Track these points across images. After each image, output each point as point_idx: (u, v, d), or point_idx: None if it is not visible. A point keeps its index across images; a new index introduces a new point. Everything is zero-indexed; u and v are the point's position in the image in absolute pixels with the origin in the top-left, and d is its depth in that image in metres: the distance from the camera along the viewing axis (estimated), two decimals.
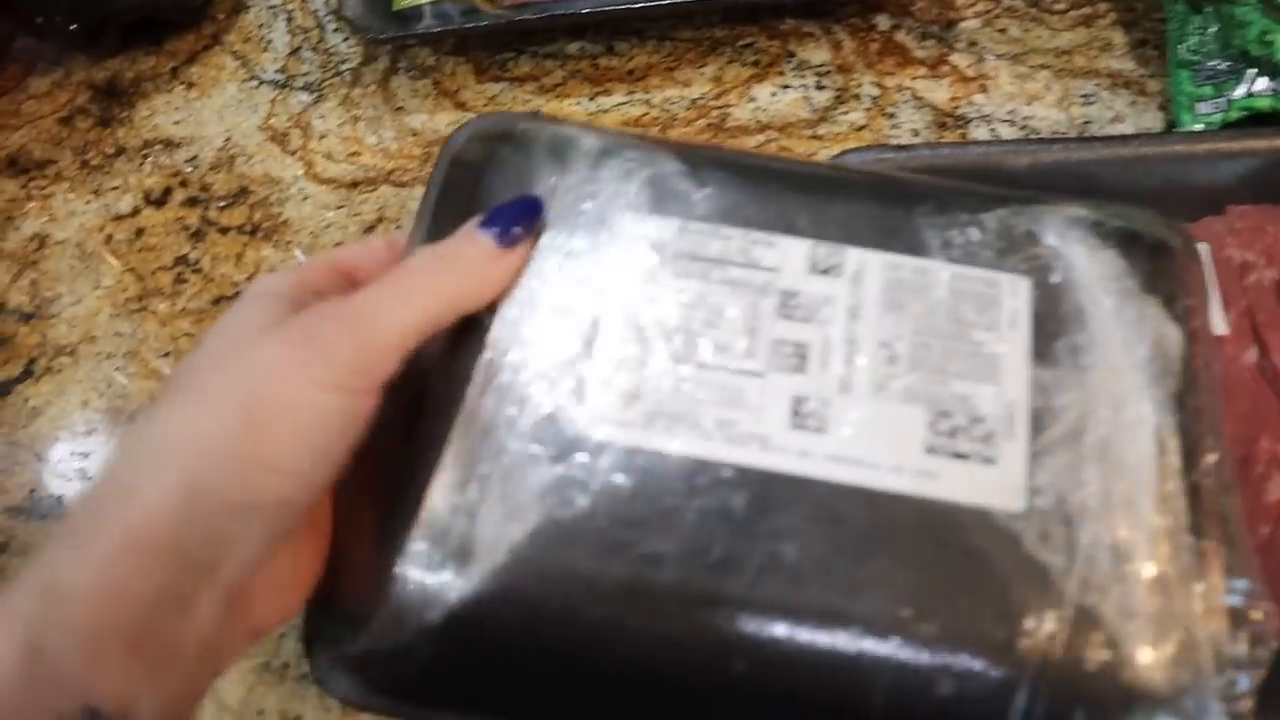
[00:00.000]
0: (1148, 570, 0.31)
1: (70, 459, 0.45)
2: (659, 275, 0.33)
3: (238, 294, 0.45)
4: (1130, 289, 0.34)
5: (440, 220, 0.35)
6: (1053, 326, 0.33)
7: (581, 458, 0.32)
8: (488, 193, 0.35)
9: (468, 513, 0.31)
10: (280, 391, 0.25)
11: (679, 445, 0.32)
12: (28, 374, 0.46)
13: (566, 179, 0.35)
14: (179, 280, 0.47)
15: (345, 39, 0.50)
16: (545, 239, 0.34)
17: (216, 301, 0.46)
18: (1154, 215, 0.37)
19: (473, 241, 0.31)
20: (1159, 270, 0.35)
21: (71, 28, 0.48)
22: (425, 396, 0.33)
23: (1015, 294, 0.33)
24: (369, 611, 0.31)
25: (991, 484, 0.31)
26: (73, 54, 0.51)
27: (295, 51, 0.50)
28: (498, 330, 0.33)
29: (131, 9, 0.49)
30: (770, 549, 0.31)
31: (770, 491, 0.31)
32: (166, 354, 0.46)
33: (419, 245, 0.34)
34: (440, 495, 0.31)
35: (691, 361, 0.33)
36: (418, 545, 0.31)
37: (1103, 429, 0.32)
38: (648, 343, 0.33)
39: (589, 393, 0.32)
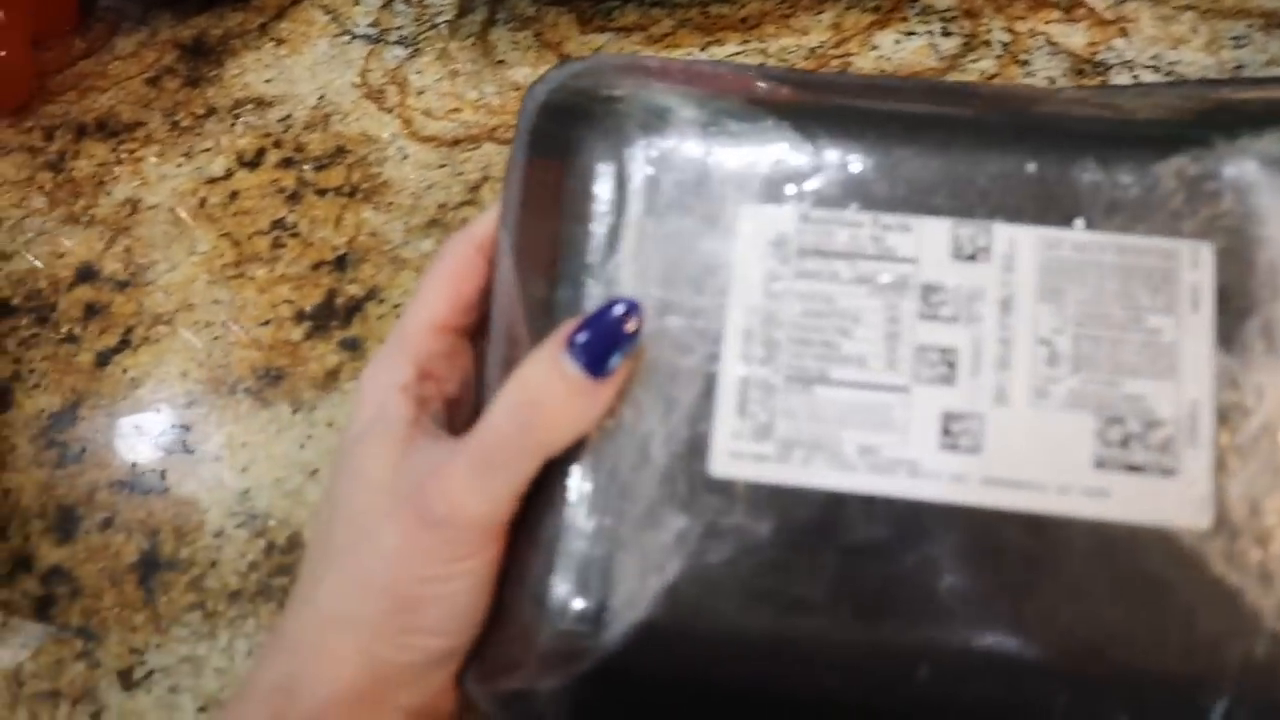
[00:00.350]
0: None
1: (171, 431, 0.43)
2: (781, 278, 0.30)
3: (339, 259, 0.43)
4: None
5: (528, 207, 0.32)
6: (1242, 302, 0.28)
7: (715, 501, 0.29)
8: (578, 177, 0.31)
9: (602, 567, 0.29)
10: (414, 579, 0.28)
11: (819, 478, 0.29)
12: (125, 344, 0.44)
13: (669, 154, 0.30)
14: (276, 245, 0.45)
15: None
16: (650, 227, 0.30)
17: (316, 266, 0.44)
18: None
19: (561, 377, 0.28)
20: None
21: None
22: None
23: (1196, 265, 0.28)
24: (517, 660, 0.29)
25: (1172, 499, 0.27)
26: (158, 12, 0.49)
27: (388, 4, 0.48)
28: None
29: None
30: (925, 588, 0.28)
31: (922, 523, 0.28)
32: (266, 322, 0.44)
33: (507, 243, 0.31)
34: (573, 549, 0.29)
35: (826, 380, 0.29)
36: (556, 602, 0.29)
37: None
38: (775, 361, 0.29)
39: (716, 428, 0.29)
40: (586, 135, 0.31)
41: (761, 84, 0.32)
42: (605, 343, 0.28)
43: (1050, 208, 0.29)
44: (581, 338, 0.27)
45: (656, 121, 0.31)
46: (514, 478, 0.28)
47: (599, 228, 0.30)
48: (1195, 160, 0.29)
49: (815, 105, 0.31)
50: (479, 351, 0.34)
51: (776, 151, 0.30)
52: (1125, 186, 0.29)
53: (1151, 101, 0.32)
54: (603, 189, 0.31)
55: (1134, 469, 0.28)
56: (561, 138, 0.31)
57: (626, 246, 0.30)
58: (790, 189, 0.30)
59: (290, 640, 0.29)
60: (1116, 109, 0.32)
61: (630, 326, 0.28)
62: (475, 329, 0.33)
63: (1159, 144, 0.30)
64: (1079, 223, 0.29)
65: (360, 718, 0.29)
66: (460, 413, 0.33)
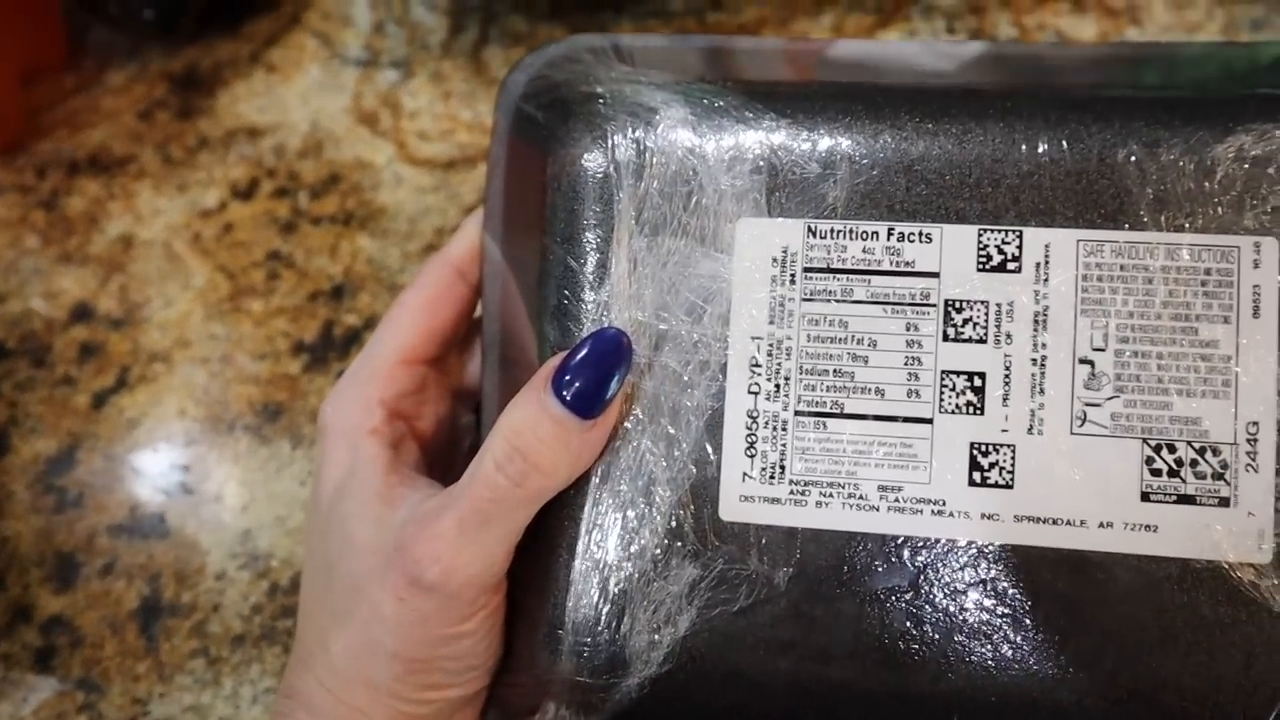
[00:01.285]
0: None
1: (170, 472, 0.42)
2: (788, 301, 0.28)
3: (335, 288, 0.42)
4: None
5: (511, 206, 0.30)
6: None
7: (726, 548, 0.27)
8: (561, 193, 0.29)
9: (614, 621, 0.27)
10: (419, 644, 0.27)
11: (837, 521, 0.27)
12: (122, 384, 0.43)
13: (657, 161, 0.28)
14: (272, 276, 0.44)
15: (430, 9, 0.47)
16: (641, 249, 0.28)
17: (313, 297, 0.43)
18: None
19: (551, 421, 0.26)
20: None
21: (146, 15, 0.46)
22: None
23: (1259, 264, 0.26)
24: (533, 708, 0.29)
25: (1228, 532, 0.25)
26: (148, 44, 0.48)
27: (378, 27, 0.47)
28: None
29: None
30: (953, 634, 0.26)
31: (949, 565, 0.26)
32: (263, 356, 0.43)
33: (492, 246, 0.30)
34: (584, 599, 0.28)
35: (841, 413, 0.27)
36: (570, 653, 0.28)
37: None
38: (785, 394, 0.28)
39: (724, 468, 0.27)
40: (566, 137, 0.29)
41: (759, 67, 0.30)
42: (593, 380, 0.26)
43: (1089, 206, 0.27)
44: (568, 377, 0.26)
45: (642, 123, 0.28)
46: (507, 532, 0.27)
47: (586, 254, 0.29)
48: (1260, 138, 0.26)
49: (819, 93, 0.29)
50: (448, 383, 0.32)
51: (777, 154, 0.28)
52: (1176, 176, 0.27)
53: (1200, 68, 0.29)
54: (587, 205, 0.29)
55: (1185, 500, 0.26)
56: (541, 135, 0.29)
57: (616, 273, 0.28)
58: (794, 197, 0.28)
59: (305, 699, 0.28)
60: (1160, 78, 0.29)
61: (616, 361, 0.26)
62: (445, 358, 0.32)
63: (1215, 121, 0.27)
64: (1123, 222, 0.27)
65: None
66: (434, 449, 0.32)
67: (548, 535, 0.29)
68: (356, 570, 0.28)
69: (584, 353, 0.26)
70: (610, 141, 0.29)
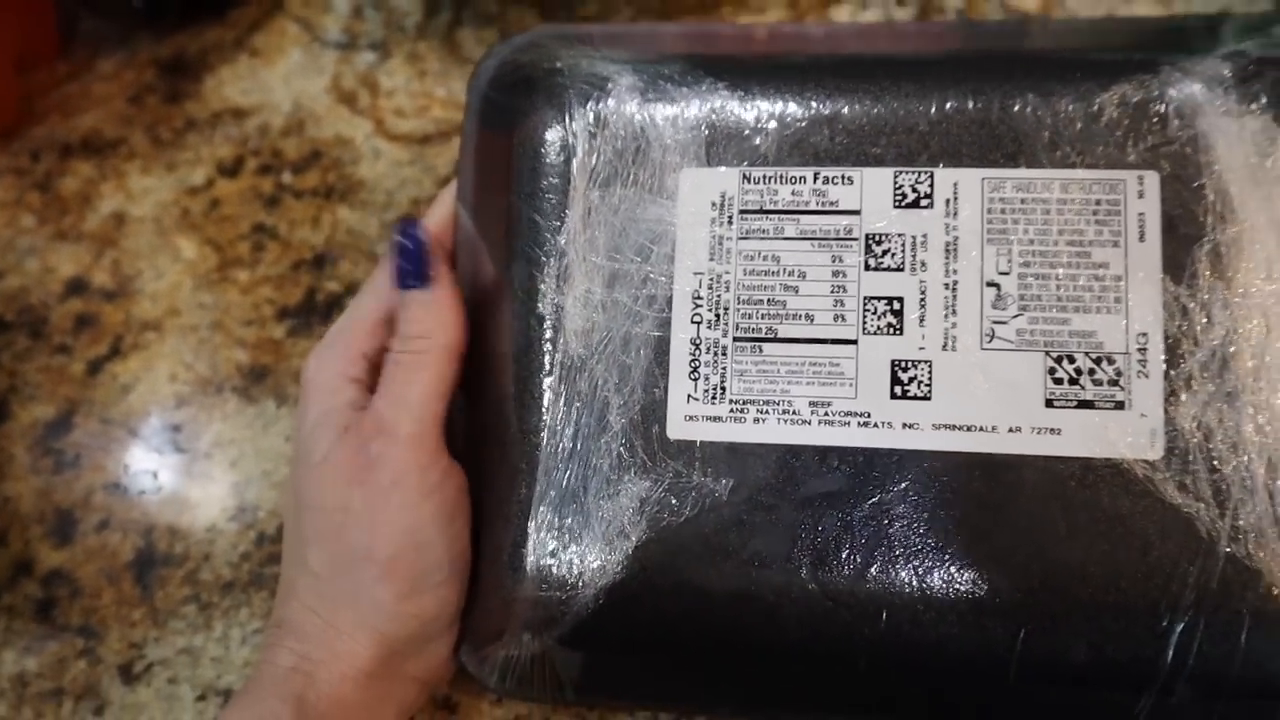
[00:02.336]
0: None
1: (163, 432, 0.45)
2: (726, 240, 0.30)
3: (317, 258, 0.44)
4: None
5: (481, 182, 0.33)
6: (1190, 228, 0.28)
7: (674, 463, 0.30)
8: (523, 153, 0.32)
9: (573, 536, 0.30)
10: (389, 533, 0.30)
11: (773, 435, 0.30)
12: (115, 351, 0.46)
13: (609, 123, 0.31)
14: (257, 248, 0.46)
15: None
16: (595, 199, 0.31)
17: (296, 266, 0.46)
18: None
19: (410, 301, 0.32)
20: None
21: (135, 5, 0.48)
22: (505, 428, 0.32)
23: (1142, 195, 0.29)
24: (501, 628, 0.31)
25: (1123, 432, 0.28)
26: (137, 33, 0.51)
27: (357, 11, 0.49)
28: (564, 327, 0.31)
29: None
30: (879, 536, 0.29)
31: (875, 471, 0.29)
32: (250, 322, 0.45)
33: (464, 215, 0.33)
34: (542, 519, 0.30)
35: (775, 338, 0.30)
36: (530, 571, 0.30)
37: (1254, 347, 0.28)
38: (724, 323, 0.30)
39: (671, 391, 0.30)
40: (530, 109, 0.32)
41: (701, 42, 0.32)
42: (414, 257, 0.31)
43: (992, 148, 0.29)
44: (399, 270, 0.32)
45: (597, 91, 0.31)
46: (425, 400, 0.30)
47: (547, 206, 0.31)
48: (1139, 86, 0.29)
49: (753, 62, 0.32)
50: None
51: (715, 113, 0.31)
52: (1067, 120, 0.29)
53: (1094, 32, 0.32)
54: (547, 164, 0.32)
55: (1085, 405, 0.29)
56: (508, 111, 0.32)
57: (573, 221, 0.31)
58: (730, 149, 0.31)
59: (295, 627, 0.30)
60: (1057, 40, 0.32)
61: (416, 237, 0.32)
62: None
63: (1101, 73, 0.30)
64: (1022, 160, 0.29)
65: (378, 689, 0.31)
66: None
67: (509, 461, 0.31)
68: (329, 485, 0.30)
69: (398, 252, 0.32)
70: (568, 108, 0.32)
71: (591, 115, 0.31)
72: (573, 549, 0.30)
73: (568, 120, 0.32)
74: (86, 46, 0.51)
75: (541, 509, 0.31)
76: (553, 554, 0.31)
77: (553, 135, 0.32)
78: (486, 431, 0.32)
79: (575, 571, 0.30)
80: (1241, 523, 0.27)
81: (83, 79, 0.51)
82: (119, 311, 0.46)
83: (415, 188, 0.46)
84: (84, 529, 0.43)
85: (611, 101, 0.31)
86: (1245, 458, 0.27)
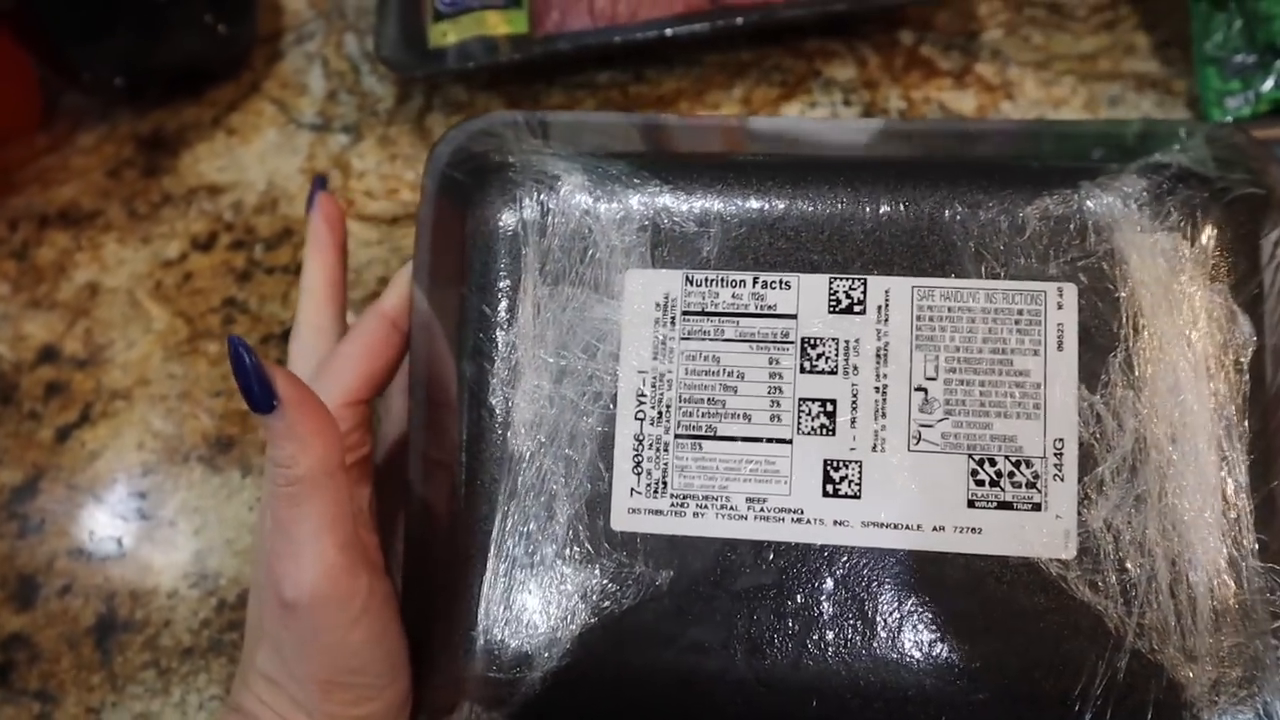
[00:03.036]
0: (1211, 606, 0.29)
1: (128, 500, 0.46)
2: (669, 340, 0.32)
3: (286, 332, 0.46)
4: (1197, 276, 0.30)
5: (436, 269, 0.34)
6: (1104, 338, 0.30)
7: (617, 554, 0.32)
8: (476, 249, 0.33)
9: (520, 621, 0.32)
10: (316, 662, 0.30)
11: (711, 529, 0.31)
12: (84, 419, 0.47)
13: (559, 221, 0.33)
14: (228, 321, 0.48)
15: (380, 80, 0.52)
16: (544, 296, 0.32)
17: (265, 340, 0.47)
18: (1245, 140, 0.31)
19: (262, 427, 0.31)
20: (1235, 239, 0.30)
21: (117, 83, 0.50)
22: (456, 510, 0.33)
23: (1062, 305, 0.31)
24: (453, 704, 0.32)
25: (1039, 533, 0.30)
26: (118, 108, 0.52)
27: (332, 95, 0.51)
28: (513, 420, 0.32)
29: (175, 62, 0.50)
30: (810, 626, 0.31)
31: (807, 566, 0.31)
32: (218, 393, 0.47)
33: (420, 297, 0.34)
34: (492, 608, 0.32)
35: (715, 435, 0.32)
36: (480, 652, 0.32)
37: (1161, 454, 0.29)
38: (667, 420, 0.32)
39: (615, 485, 0.32)
40: (483, 201, 0.33)
41: (650, 136, 0.34)
42: (242, 385, 0.29)
43: (922, 257, 0.31)
44: (242, 385, 0.29)
45: (547, 189, 0.33)
46: (318, 530, 0.29)
47: (497, 300, 0.33)
48: (1060, 200, 0.31)
49: (699, 161, 0.33)
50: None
51: (660, 215, 0.33)
52: (993, 232, 0.31)
53: (1023, 135, 0.33)
54: (499, 259, 0.33)
55: (1004, 506, 0.30)
56: (461, 198, 0.34)
57: (523, 317, 0.33)
58: (674, 251, 0.33)
59: (250, 715, 0.31)
60: (986, 147, 0.33)
61: (239, 362, 0.28)
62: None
63: (1025, 184, 0.31)
64: (950, 270, 0.31)
65: None
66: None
67: (461, 548, 0.33)
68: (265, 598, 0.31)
69: (239, 370, 0.29)
70: (519, 204, 0.33)
71: (541, 211, 0.33)
72: (520, 633, 0.32)
73: (519, 215, 0.33)
74: (67, 120, 0.53)
75: (489, 593, 0.32)
76: (500, 637, 0.32)
77: (503, 230, 0.33)
78: (436, 513, 0.33)
79: (522, 654, 0.32)
80: (1146, 620, 0.29)
81: (62, 151, 0.52)
82: (89, 380, 0.48)
83: (382, 267, 0.48)
84: (46, 594, 0.44)
85: (561, 198, 0.33)
86: (1150, 559, 0.29)
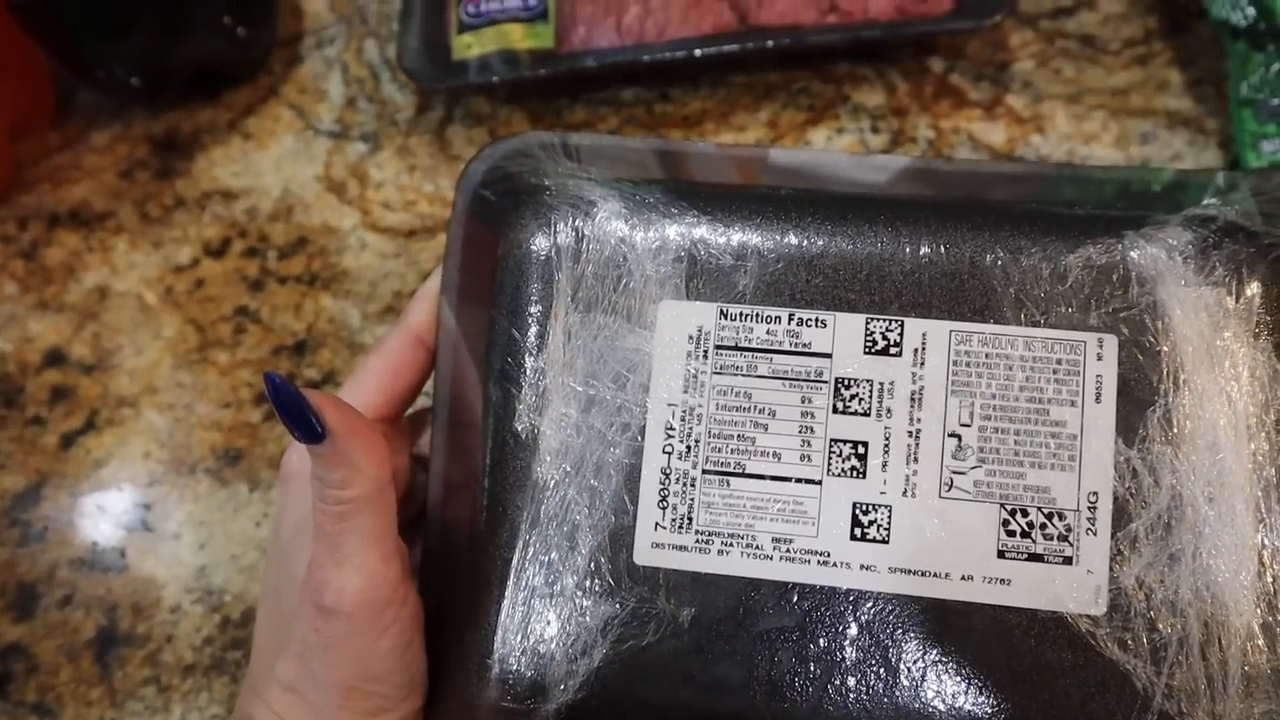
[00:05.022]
0: (1243, 670, 0.28)
1: (132, 510, 0.45)
2: (700, 374, 0.31)
3: (298, 344, 0.45)
4: (1240, 333, 0.29)
5: (466, 280, 0.33)
6: (1143, 392, 0.30)
7: (639, 589, 0.31)
8: (508, 271, 0.32)
9: (537, 652, 0.31)
10: (342, 670, 0.30)
11: (735, 568, 0.31)
12: (90, 426, 0.46)
13: (593, 248, 0.32)
14: (238, 330, 0.47)
15: (400, 89, 0.51)
16: (575, 324, 0.32)
17: (276, 351, 0.46)
18: None
19: (304, 456, 0.31)
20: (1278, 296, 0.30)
21: (133, 82, 0.49)
22: (475, 534, 0.32)
23: (1101, 357, 0.30)
24: None
25: (1069, 587, 0.29)
26: (133, 108, 0.52)
27: (351, 102, 0.51)
28: (538, 447, 0.32)
29: (192, 63, 0.49)
30: (832, 671, 0.30)
31: (832, 609, 0.30)
32: (227, 404, 0.46)
33: (448, 316, 0.33)
34: (509, 638, 0.31)
35: (743, 473, 0.31)
36: (495, 680, 0.31)
37: (1197, 513, 0.29)
38: (695, 454, 0.31)
39: (639, 518, 0.31)
40: (517, 223, 0.33)
41: (674, 165, 0.33)
42: (289, 419, 0.28)
43: (960, 301, 0.31)
44: (287, 421, 0.28)
45: (582, 214, 0.32)
46: (364, 543, 0.29)
47: (527, 325, 0.32)
48: (1104, 250, 0.30)
49: (736, 193, 0.32)
50: (405, 441, 0.35)
51: (696, 246, 0.32)
52: (1034, 279, 0.31)
53: (1065, 180, 0.32)
54: (530, 283, 0.33)
55: (1034, 558, 0.30)
56: (494, 218, 0.33)
57: (553, 344, 0.32)
58: (709, 284, 0.32)
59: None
60: (1033, 193, 0.32)
61: (286, 398, 0.28)
62: (401, 419, 0.35)
63: (1069, 231, 0.31)
64: (989, 316, 0.31)
65: None
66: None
67: (480, 574, 0.32)
68: (293, 603, 0.30)
69: (274, 400, 0.28)
70: (553, 228, 0.33)
71: (575, 237, 0.33)
72: (536, 664, 0.31)
73: (552, 240, 0.32)
74: (81, 118, 0.52)
75: (507, 622, 0.31)
76: (516, 668, 0.31)
77: (537, 254, 0.33)
78: (455, 536, 0.33)
79: (538, 685, 0.31)
80: (1176, 682, 0.28)
81: (75, 150, 0.51)
82: (96, 385, 0.47)
83: (398, 281, 0.47)
84: (46, 604, 0.44)
85: (596, 225, 0.32)
86: (1182, 619, 0.28)
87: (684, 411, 0.31)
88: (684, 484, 0.31)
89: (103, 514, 0.45)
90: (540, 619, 0.31)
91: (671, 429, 0.31)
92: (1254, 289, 0.30)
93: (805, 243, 0.32)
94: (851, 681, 0.30)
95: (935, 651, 0.30)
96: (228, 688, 0.42)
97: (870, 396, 0.31)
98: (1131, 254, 0.30)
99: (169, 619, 0.43)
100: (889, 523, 0.30)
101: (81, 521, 0.45)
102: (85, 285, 0.49)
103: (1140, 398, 0.30)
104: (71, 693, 0.42)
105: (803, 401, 0.31)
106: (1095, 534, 0.29)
